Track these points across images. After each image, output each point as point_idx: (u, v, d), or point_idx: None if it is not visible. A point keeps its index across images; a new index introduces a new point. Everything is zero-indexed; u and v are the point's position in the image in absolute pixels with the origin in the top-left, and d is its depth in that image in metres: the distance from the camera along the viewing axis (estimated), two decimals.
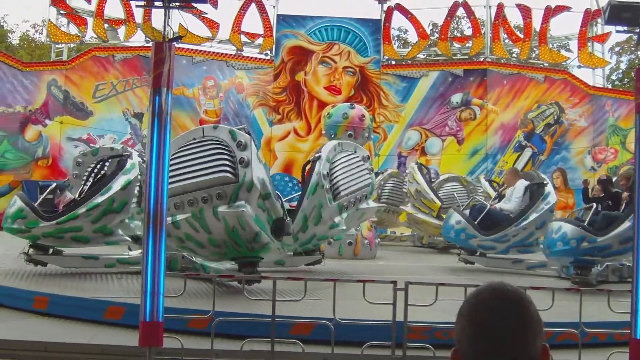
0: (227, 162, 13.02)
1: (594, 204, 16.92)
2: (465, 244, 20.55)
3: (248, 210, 12.79)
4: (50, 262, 15.92)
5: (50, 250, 16.00)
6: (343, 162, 16.68)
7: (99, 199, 15.38)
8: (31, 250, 15.77)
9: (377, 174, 28.98)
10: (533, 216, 19.33)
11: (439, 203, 26.42)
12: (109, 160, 16.71)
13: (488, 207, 20.44)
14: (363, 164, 17.07)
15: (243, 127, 14.59)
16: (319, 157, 16.44)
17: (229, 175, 12.89)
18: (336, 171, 16.40)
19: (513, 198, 20.25)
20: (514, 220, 19.45)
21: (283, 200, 14.94)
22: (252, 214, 12.96)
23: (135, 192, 16.23)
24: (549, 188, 19.82)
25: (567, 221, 16.86)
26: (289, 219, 14.33)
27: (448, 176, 30.73)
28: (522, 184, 20.17)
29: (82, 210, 15.26)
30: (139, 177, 15.78)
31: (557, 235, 16.37)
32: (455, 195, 27.32)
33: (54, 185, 18.08)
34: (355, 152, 17.17)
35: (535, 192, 19.77)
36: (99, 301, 12.15)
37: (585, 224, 16.42)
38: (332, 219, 16.15)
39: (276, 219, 13.81)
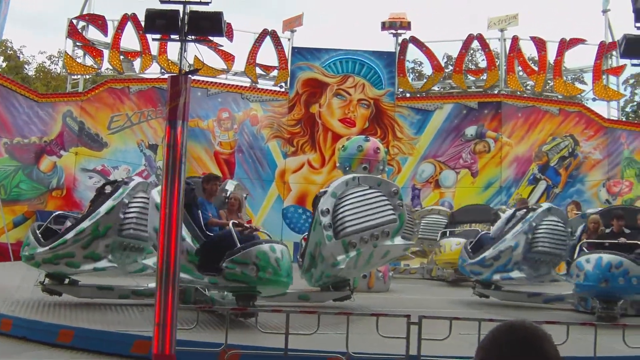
0: None
1: None
2: (463, 270, 20.89)
3: None
4: (65, 292, 15.98)
5: (67, 280, 16.08)
6: (354, 197, 16.57)
7: (86, 224, 15.51)
8: (47, 279, 15.86)
9: None
10: (509, 238, 19.32)
11: None
12: (107, 186, 16.79)
13: (481, 232, 20.69)
14: (384, 199, 16.72)
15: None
16: (324, 192, 16.53)
17: None
18: (342, 207, 16.33)
19: (497, 222, 20.53)
20: (492, 244, 19.51)
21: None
22: None
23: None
24: (535, 213, 19.63)
25: (626, 257, 16.52)
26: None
27: (432, 208, 31.33)
28: (511, 210, 20.35)
29: (70, 235, 15.38)
30: (127, 201, 15.82)
31: (618, 270, 16.12)
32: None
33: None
34: (378, 185, 17.00)
35: (521, 217, 19.70)
36: (125, 335, 12.11)
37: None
38: (334, 257, 16.07)
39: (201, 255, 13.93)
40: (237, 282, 13.64)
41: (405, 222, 17.42)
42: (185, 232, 13.47)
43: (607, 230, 17.82)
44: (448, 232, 28.03)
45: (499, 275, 19.44)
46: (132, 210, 15.91)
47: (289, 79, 38.62)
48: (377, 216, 16.45)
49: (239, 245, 13.75)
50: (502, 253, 19.23)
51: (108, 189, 16.56)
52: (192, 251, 13.62)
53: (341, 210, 16.31)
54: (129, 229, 15.77)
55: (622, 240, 17.08)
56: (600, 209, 23.10)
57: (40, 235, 15.76)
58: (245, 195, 20.50)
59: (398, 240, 16.98)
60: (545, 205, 21.01)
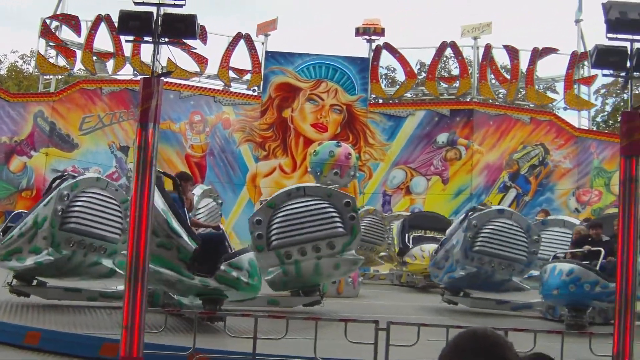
0: None
1: (602, 250, 16.78)
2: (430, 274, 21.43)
3: None
4: (33, 293, 15.82)
5: (35, 282, 15.95)
6: (292, 209, 16.51)
7: (29, 218, 15.47)
8: (14, 280, 15.73)
9: None
10: (453, 237, 19.57)
11: (397, 249, 27.59)
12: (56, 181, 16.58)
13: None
14: (330, 211, 16.51)
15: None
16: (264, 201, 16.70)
17: None
18: (277, 217, 16.31)
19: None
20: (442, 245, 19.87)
21: None
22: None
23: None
24: (479, 212, 19.66)
25: (578, 264, 16.73)
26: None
27: (398, 214, 31.95)
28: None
29: (16, 230, 15.35)
30: (65, 193, 15.47)
31: (569, 277, 16.30)
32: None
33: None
34: (328, 196, 16.82)
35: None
36: (93, 337, 12.03)
37: (597, 268, 16.39)
38: (269, 267, 16.10)
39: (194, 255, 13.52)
40: (227, 286, 13.60)
41: (358, 234, 16.90)
42: (180, 228, 13.33)
43: (590, 239, 17.92)
44: (411, 237, 28.04)
45: (447, 276, 19.55)
46: (77, 204, 15.54)
47: (262, 82, 38.59)
48: (317, 228, 16.29)
49: (231, 249, 13.85)
50: (447, 253, 19.45)
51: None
52: (188, 249, 13.28)
53: (276, 221, 16.26)
54: (71, 222, 15.37)
55: (587, 248, 17.23)
56: (558, 216, 23.65)
57: (1, 234, 15.70)
58: (220, 202, 20.45)
59: (348, 254, 16.59)
60: (496, 207, 21.13)
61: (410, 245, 27.02)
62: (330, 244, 16.29)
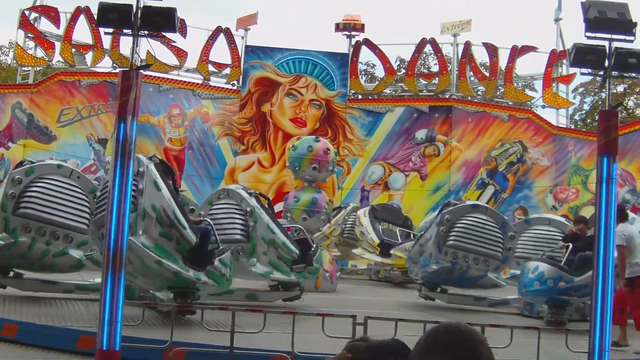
0: None
1: (570, 245, 16.87)
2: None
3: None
4: (9, 284, 15.74)
5: (11, 273, 15.84)
6: (216, 210, 16.82)
7: None
8: None
9: (339, 208, 29.15)
10: (427, 232, 19.61)
11: (377, 240, 26.89)
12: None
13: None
14: (238, 217, 16.67)
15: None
16: None
17: None
18: (209, 216, 16.42)
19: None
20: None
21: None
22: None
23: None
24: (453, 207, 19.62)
25: (544, 261, 16.86)
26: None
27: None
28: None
29: None
30: (17, 177, 15.40)
31: (534, 274, 16.42)
32: None
33: None
34: (240, 201, 16.87)
35: None
36: (70, 330, 11.99)
37: (562, 264, 16.48)
38: None
39: (191, 248, 13.49)
40: (214, 281, 13.63)
41: (257, 244, 16.58)
42: (184, 220, 13.34)
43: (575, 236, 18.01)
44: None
45: (422, 270, 19.52)
46: (33, 189, 15.40)
47: (241, 77, 38.56)
48: (231, 232, 16.41)
49: (219, 245, 13.94)
50: (422, 247, 19.44)
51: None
52: (189, 241, 13.29)
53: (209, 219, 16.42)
54: (26, 207, 15.23)
55: (561, 244, 17.40)
56: (543, 214, 23.71)
57: None
58: (191, 208, 20.42)
59: (251, 262, 16.43)
60: (470, 201, 21.10)
61: (399, 240, 26.88)
62: (242, 249, 16.43)
